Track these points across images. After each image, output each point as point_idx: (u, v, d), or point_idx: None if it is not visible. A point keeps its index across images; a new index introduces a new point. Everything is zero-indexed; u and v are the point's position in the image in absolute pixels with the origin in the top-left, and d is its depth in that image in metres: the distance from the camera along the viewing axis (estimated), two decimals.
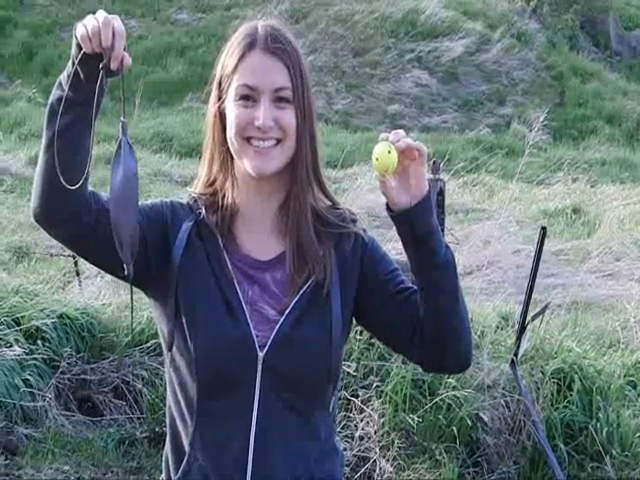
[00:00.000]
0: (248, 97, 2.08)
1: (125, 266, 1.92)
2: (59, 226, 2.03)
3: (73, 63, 1.93)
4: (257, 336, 2.08)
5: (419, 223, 2.05)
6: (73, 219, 2.01)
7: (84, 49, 1.90)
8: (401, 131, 2.05)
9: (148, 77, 20.17)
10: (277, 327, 2.09)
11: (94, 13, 1.91)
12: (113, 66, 1.89)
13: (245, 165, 2.11)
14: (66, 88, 1.94)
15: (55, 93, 1.97)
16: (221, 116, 2.15)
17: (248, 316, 2.10)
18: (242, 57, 2.09)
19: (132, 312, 1.73)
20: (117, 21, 1.89)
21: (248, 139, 2.09)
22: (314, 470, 2.14)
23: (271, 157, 2.09)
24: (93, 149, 1.98)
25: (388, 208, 2.09)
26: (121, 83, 1.94)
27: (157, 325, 2.21)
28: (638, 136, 21.35)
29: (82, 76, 1.93)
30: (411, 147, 2.01)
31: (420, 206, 2.05)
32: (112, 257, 1.97)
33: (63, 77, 1.96)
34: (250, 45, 2.09)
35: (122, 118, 1.91)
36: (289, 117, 2.09)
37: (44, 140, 1.97)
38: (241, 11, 22.00)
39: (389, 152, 2.00)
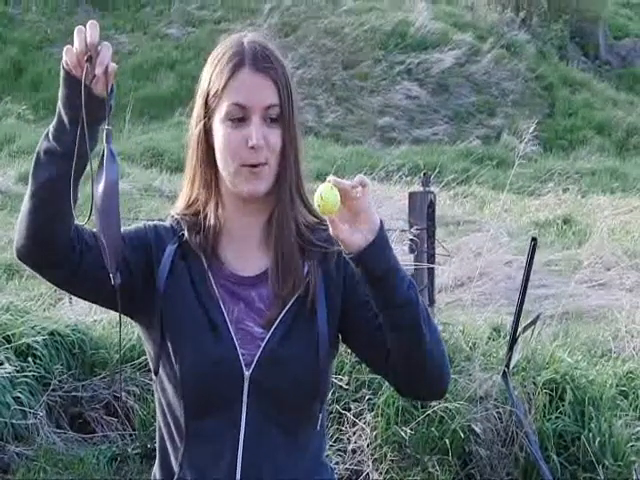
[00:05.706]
0: (238, 118, 2.07)
1: (111, 276, 1.93)
2: (46, 269, 2.04)
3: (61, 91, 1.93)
4: (243, 355, 2.07)
5: (377, 260, 2.01)
6: (60, 263, 2.01)
7: (68, 58, 1.89)
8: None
9: (138, 92, 20.17)
10: (263, 344, 2.08)
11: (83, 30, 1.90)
12: (98, 71, 1.87)
13: (238, 187, 2.10)
14: (51, 137, 1.95)
15: (42, 143, 1.97)
16: (206, 134, 2.13)
17: (233, 335, 2.08)
18: (231, 76, 2.08)
19: (120, 329, 1.71)
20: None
21: (243, 163, 2.07)
22: None
23: (262, 178, 2.09)
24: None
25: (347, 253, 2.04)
26: (106, 91, 1.91)
27: (144, 346, 2.20)
28: (628, 146, 21.40)
29: (66, 120, 1.93)
30: (353, 184, 2.00)
31: (377, 240, 2.00)
32: (102, 293, 2.04)
33: (49, 129, 1.97)
34: (239, 64, 2.08)
35: (106, 125, 1.91)
36: (276, 137, 2.08)
37: (29, 187, 1.98)
38: (231, 25, 22.01)
39: (331, 188, 1.98)
